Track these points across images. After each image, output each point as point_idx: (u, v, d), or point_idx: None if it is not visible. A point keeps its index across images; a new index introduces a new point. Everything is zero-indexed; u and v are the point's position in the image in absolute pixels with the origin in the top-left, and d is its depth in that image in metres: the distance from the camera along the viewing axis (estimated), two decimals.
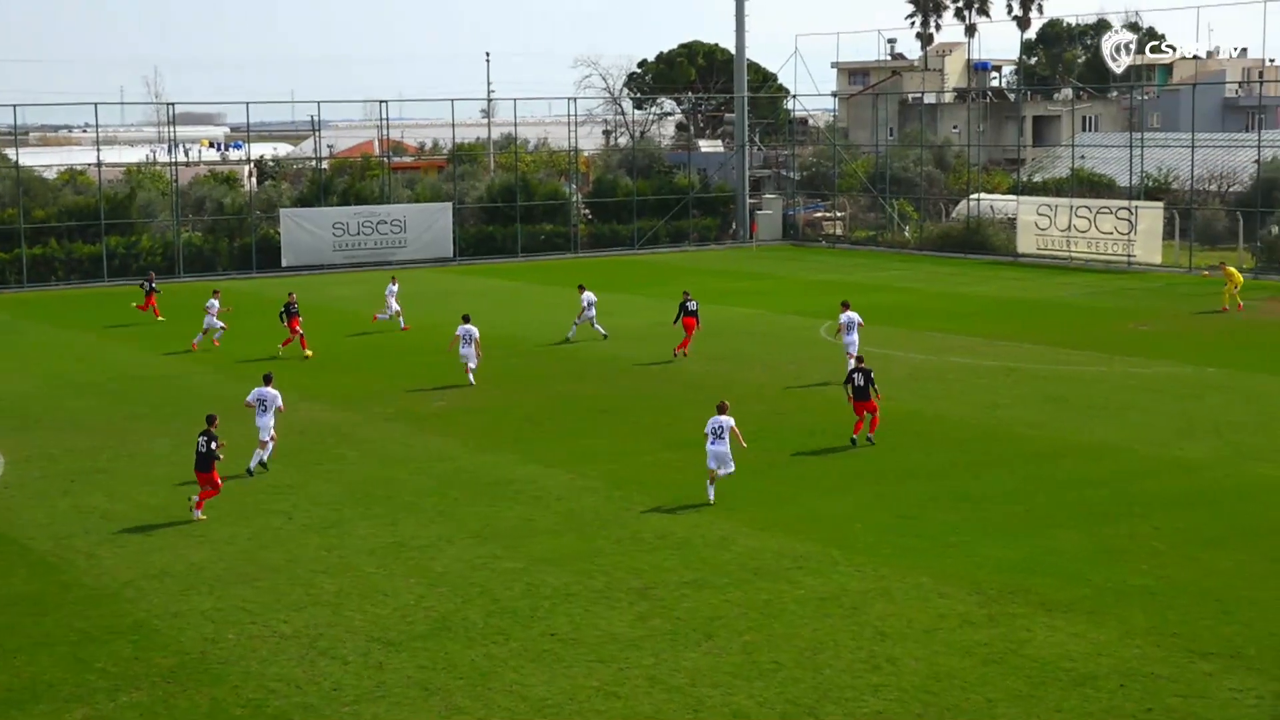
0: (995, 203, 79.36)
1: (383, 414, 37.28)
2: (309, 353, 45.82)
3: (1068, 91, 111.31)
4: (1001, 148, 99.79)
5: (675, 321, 45.99)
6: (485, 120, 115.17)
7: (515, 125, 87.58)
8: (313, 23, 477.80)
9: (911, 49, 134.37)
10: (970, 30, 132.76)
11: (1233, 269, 56.09)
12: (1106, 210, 70.56)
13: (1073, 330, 49.00)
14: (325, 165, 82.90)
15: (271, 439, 30.97)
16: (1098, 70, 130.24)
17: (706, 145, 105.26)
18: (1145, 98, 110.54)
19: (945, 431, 34.22)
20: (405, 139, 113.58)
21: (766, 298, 59.28)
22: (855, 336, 40.41)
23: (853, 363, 34.96)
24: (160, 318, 54.51)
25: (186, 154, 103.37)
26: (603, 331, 48.19)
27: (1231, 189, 77.27)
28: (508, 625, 21.50)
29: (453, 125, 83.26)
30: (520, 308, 58.11)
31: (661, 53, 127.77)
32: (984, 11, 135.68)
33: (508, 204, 78.99)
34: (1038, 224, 72.97)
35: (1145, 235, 68.63)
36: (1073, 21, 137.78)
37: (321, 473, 31.22)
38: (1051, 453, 32.01)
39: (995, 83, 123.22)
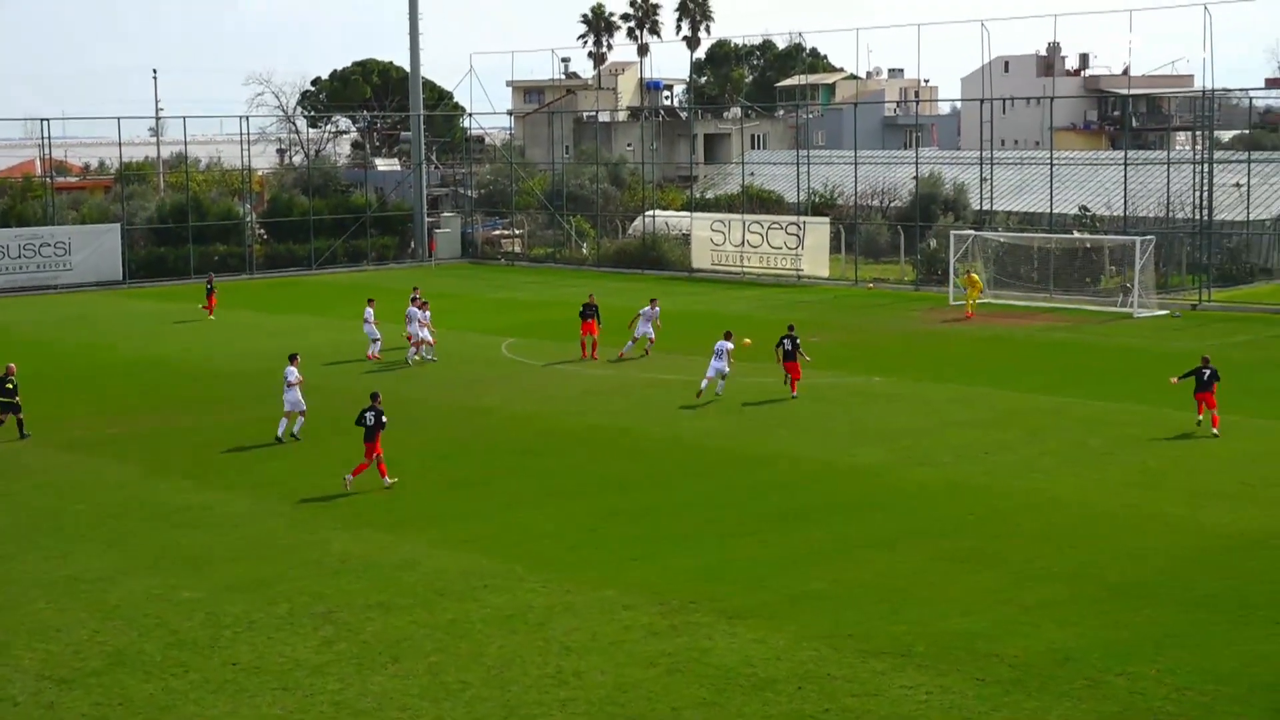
0: (670, 219, 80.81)
1: (53, 442, 35.85)
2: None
3: (737, 110, 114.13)
4: (675, 165, 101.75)
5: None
6: (154, 139, 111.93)
7: (186, 144, 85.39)
8: None
9: (585, 68, 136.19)
10: (642, 50, 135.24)
11: (975, 276, 58.30)
12: (776, 226, 72.58)
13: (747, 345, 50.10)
14: None
15: (301, 412, 35.33)
16: (765, 89, 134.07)
17: (383, 164, 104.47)
18: (810, 116, 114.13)
19: (630, 444, 34.64)
20: (69, 158, 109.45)
21: (447, 316, 58.98)
22: (657, 312, 47.69)
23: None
24: (212, 317, 59.03)
25: None
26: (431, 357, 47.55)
27: (892, 204, 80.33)
28: (187, 657, 20.88)
29: (119, 144, 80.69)
30: (194, 330, 56.67)
31: (336, 70, 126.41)
32: (655, 32, 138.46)
33: (179, 225, 76.95)
34: (712, 240, 74.60)
35: (813, 249, 70.81)
36: (740, 42, 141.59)
37: None
38: (732, 463, 32.69)
39: (667, 101, 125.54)
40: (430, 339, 47.57)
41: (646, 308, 47.95)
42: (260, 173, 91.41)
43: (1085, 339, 51.44)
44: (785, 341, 40.47)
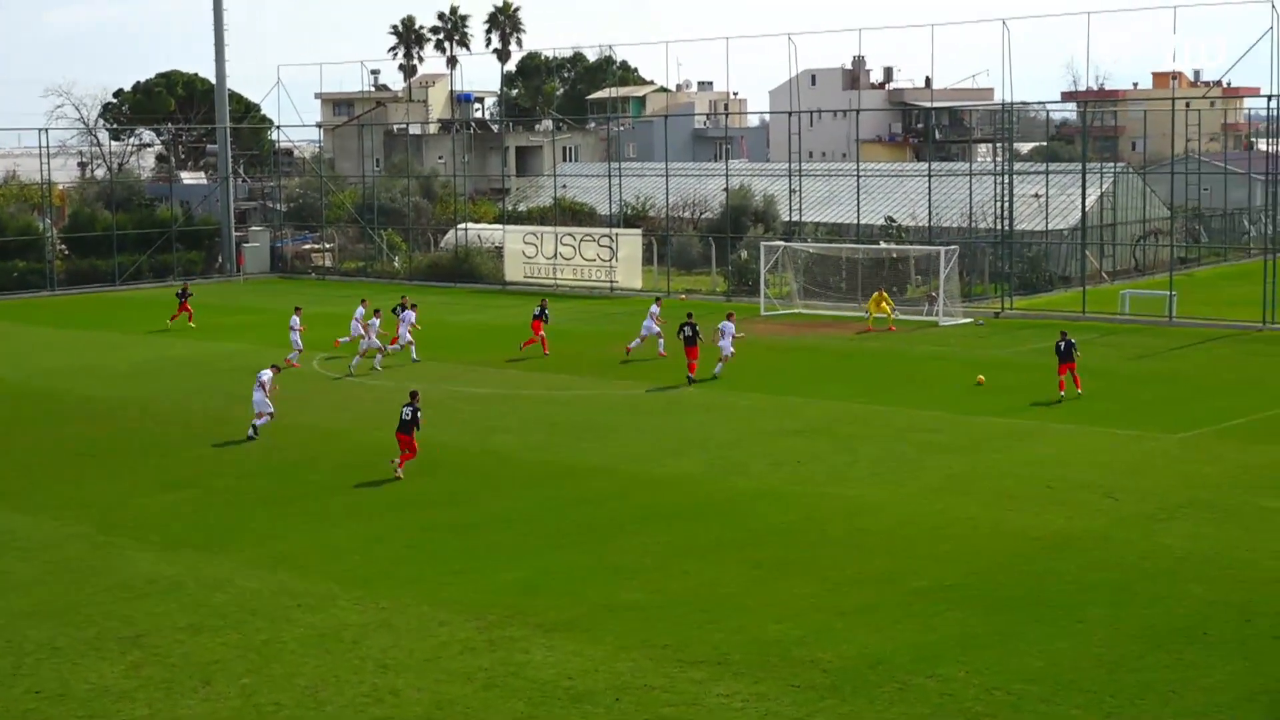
0: (482, 232, 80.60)
1: None
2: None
3: (548, 123, 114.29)
4: (486, 177, 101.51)
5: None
6: None
7: None
8: None
9: (395, 80, 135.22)
10: (452, 62, 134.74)
11: (884, 291, 58.04)
12: (589, 238, 72.73)
13: (563, 356, 50.16)
14: None
15: (270, 414, 36.91)
16: (576, 102, 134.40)
17: (189, 177, 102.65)
18: (621, 129, 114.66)
19: (445, 459, 34.40)
20: None
21: (257, 331, 58.21)
22: (655, 324, 49.70)
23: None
24: (192, 324, 58.80)
25: None
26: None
27: (703, 216, 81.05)
28: None
29: None
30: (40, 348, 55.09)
31: (139, 82, 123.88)
32: (464, 44, 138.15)
33: None
34: (525, 252, 74.47)
35: (626, 261, 71.11)
36: (551, 55, 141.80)
37: None
38: (549, 475, 32.66)
39: (479, 114, 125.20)
40: (382, 347, 48.93)
41: (654, 306, 50.96)
42: (61, 187, 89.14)
43: (893, 347, 52.36)
44: (685, 328, 44.24)
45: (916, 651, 20.83)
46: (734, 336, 45.77)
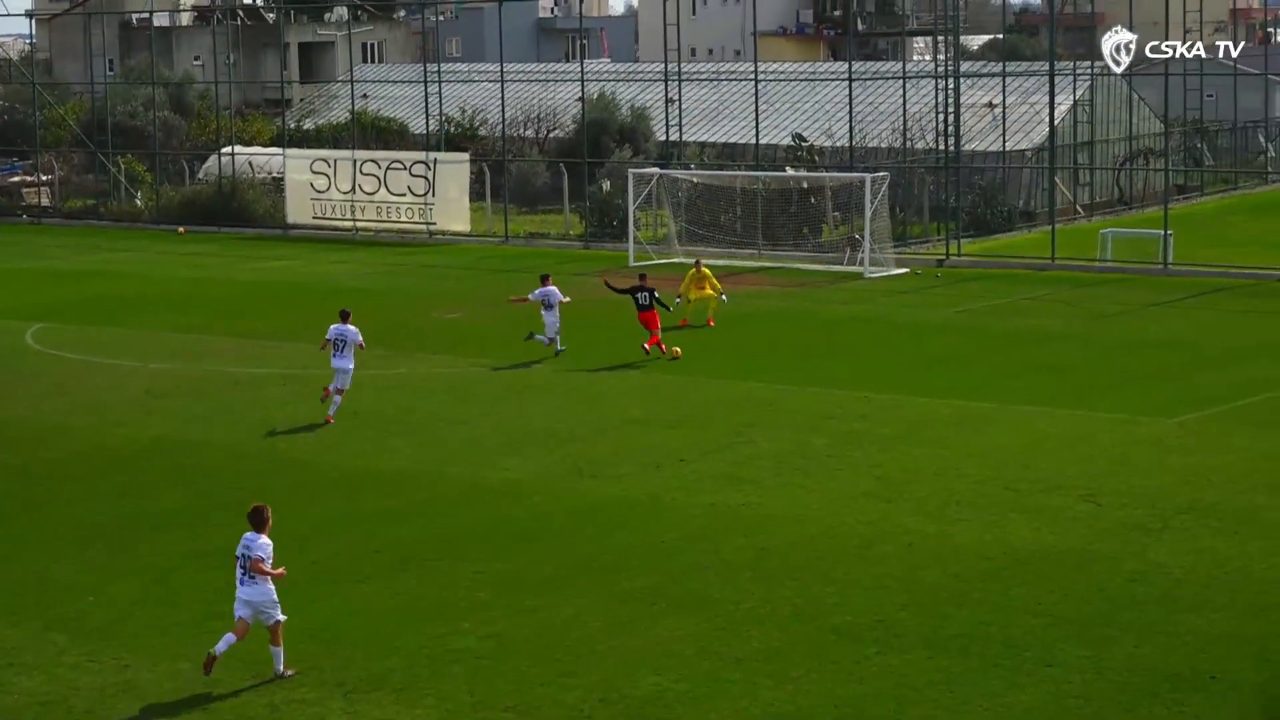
0: (256, 157, 79.86)
1: None
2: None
3: (342, 11, 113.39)
4: (261, 85, 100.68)
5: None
6: None
7: None
8: None
9: None
10: None
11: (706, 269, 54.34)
12: (399, 165, 72.28)
13: (362, 323, 49.87)
14: None
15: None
16: None
17: None
18: (441, 19, 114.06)
19: (212, 463, 34.13)
20: None
21: None
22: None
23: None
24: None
25: None
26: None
27: (552, 135, 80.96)
28: None
29: None
30: None
31: None
32: None
33: None
34: (313, 185, 73.85)
35: (447, 198, 70.69)
36: None
37: None
38: (348, 483, 32.50)
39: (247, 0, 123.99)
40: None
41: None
42: None
43: (804, 307, 52.62)
44: (642, 294, 43.48)
45: (839, 708, 20.97)
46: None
